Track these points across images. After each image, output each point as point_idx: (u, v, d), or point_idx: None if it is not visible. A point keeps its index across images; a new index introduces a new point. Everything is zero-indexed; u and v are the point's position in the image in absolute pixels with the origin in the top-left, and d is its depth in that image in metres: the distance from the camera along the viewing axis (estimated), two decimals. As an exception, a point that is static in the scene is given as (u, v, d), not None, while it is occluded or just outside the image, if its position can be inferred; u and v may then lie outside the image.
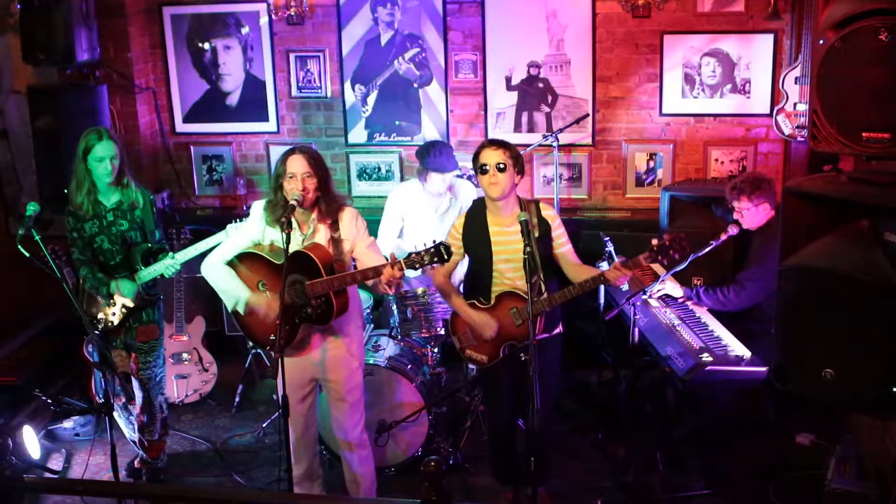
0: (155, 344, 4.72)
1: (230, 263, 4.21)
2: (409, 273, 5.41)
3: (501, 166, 4.06)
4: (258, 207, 4.14)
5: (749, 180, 4.77)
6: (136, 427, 4.82)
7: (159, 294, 4.78)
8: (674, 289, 4.87)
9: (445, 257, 3.69)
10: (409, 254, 3.72)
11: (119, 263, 4.61)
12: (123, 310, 4.63)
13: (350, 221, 4.08)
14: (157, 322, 4.74)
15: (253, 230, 4.15)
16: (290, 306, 4.01)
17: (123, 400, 4.81)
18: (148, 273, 4.59)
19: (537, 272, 3.93)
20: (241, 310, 4.18)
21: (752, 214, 4.74)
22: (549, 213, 4.22)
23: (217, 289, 4.25)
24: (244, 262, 4.18)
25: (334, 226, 4.05)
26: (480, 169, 4.11)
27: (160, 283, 4.77)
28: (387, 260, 3.83)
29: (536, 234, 4.09)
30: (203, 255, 4.39)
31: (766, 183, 4.76)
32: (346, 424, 4.26)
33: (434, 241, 3.71)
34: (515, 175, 4.13)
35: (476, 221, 4.26)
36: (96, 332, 4.50)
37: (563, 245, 4.23)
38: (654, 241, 3.92)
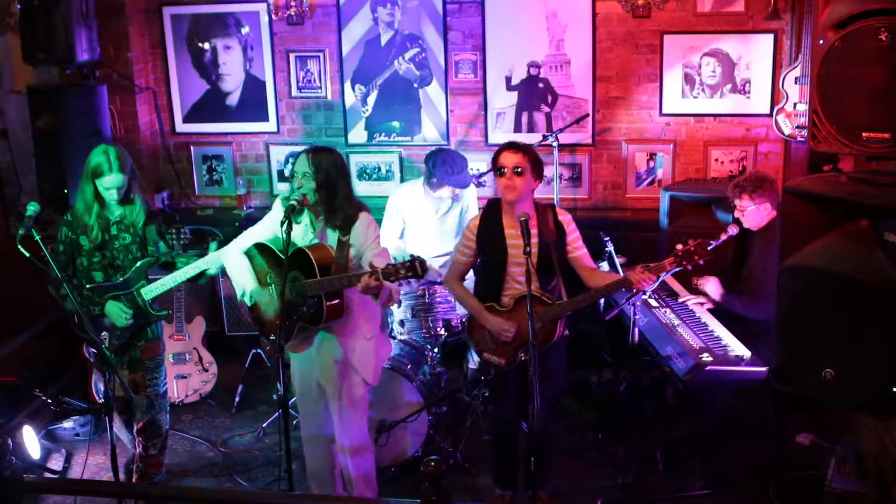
0: (160, 359, 4.64)
1: (250, 254, 4.23)
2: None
3: (519, 170, 4.08)
4: (279, 202, 4.16)
5: (752, 179, 4.76)
6: (136, 442, 4.72)
7: (166, 311, 4.64)
8: (714, 290, 4.85)
9: (420, 273, 3.64)
10: (387, 265, 3.70)
11: (119, 282, 4.45)
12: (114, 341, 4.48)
13: (362, 228, 4.05)
14: (159, 338, 4.65)
15: (274, 222, 4.15)
16: (289, 303, 4.03)
17: (124, 417, 4.69)
18: (153, 289, 4.46)
19: (555, 277, 3.95)
20: (247, 301, 4.22)
21: (753, 214, 4.74)
22: (565, 218, 4.25)
23: (229, 276, 4.29)
24: (260, 253, 4.21)
25: (345, 229, 4.03)
26: (498, 171, 4.13)
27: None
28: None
29: (553, 238, 4.11)
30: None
31: (768, 182, 4.75)
32: (341, 430, 4.26)
33: (412, 256, 3.68)
34: (533, 180, 4.15)
35: (491, 222, 4.26)
36: (97, 335, 4.41)
37: (577, 249, 4.25)
38: (679, 246, 3.97)
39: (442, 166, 5.24)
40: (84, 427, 5.47)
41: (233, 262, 4.25)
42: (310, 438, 4.36)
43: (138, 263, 4.47)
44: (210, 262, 4.46)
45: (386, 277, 3.68)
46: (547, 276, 4.14)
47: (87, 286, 4.42)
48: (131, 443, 4.88)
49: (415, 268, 3.64)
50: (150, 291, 4.46)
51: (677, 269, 4.50)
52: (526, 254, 3.89)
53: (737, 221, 4.82)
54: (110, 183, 4.32)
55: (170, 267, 4.53)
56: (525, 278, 3.88)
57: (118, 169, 4.31)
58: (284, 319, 4.04)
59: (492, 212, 4.29)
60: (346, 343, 4.13)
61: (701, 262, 3.99)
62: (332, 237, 4.05)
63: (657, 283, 4.60)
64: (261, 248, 4.22)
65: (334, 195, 4.00)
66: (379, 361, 4.29)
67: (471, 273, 4.53)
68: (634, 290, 4.21)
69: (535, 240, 4.08)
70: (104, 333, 4.43)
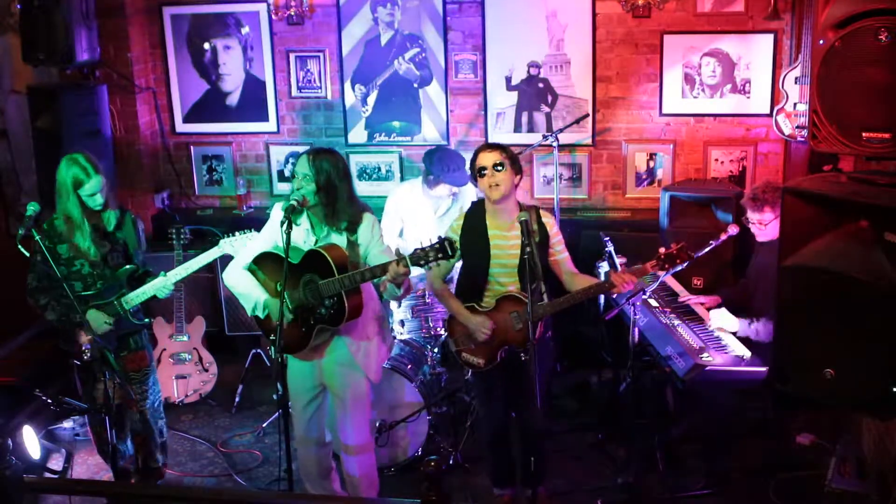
0: (147, 371, 4.57)
1: (251, 270, 4.19)
2: (413, 271, 5.42)
3: (499, 166, 4.06)
4: (278, 208, 4.13)
5: (770, 189, 4.57)
6: (133, 456, 4.67)
7: (148, 319, 4.54)
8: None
9: (450, 253, 3.66)
10: (415, 250, 3.70)
11: (100, 291, 4.36)
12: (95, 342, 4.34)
13: (367, 227, 4.05)
14: (145, 348, 4.57)
15: (274, 231, 4.12)
16: (305, 307, 4.01)
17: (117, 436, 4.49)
18: (137, 296, 4.38)
19: (538, 274, 3.95)
20: (260, 314, 4.18)
21: (775, 226, 4.51)
22: (549, 221, 4.23)
23: (236, 294, 4.25)
24: (262, 264, 4.17)
25: (352, 229, 4.03)
26: (479, 173, 4.11)
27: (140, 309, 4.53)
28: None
29: (537, 240, 4.10)
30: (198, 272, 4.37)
31: (780, 190, 4.60)
32: (344, 429, 4.25)
33: (439, 237, 3.68)
34: (514, 175, 4.13)
35: (475, 224, 4.25)
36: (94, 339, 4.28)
37: (560, 253, 4.24)
38: (662, 250, 3.95)
39: (438, 163, 5.25)
40: (84, 427, 5.46)
41: (236, 280, 4.20)
42: (302, 439, 4.35)
43: (118, 272, 4.40)
44: (206, 259, 4.43)
45: (415, 262, 3.67)
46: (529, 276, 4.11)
47: (65, 295, 4.29)
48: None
49: (444, 248, 3.64)
50: (131, 300, 4.38)
51: (666, 274, 4.51)
52: (527, 254, 3.88)
53: (740, 220, 4.80)
54: (93, 187, 4.24)
55: (141, 280, 4.44)
56: (529, 277, 3.87)
57: (95, 171, 4.25)
58: (301, 325, 4.04)
59: (476, 213, 4.28)
60: (352, 343, 4.13)
61: (683, 265, 3.97)
62: (339, 239, 4.04)
63: (657, 284, 4.62)
64: (261, 260, 4.18)
65: (335, 198, 3.99)
66: (381, 359, 4.30)
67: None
68: (615, 294, 4.18)
69: (516, 241, 4.07)
70: (86, 345, 4.33)
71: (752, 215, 4.65)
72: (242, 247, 4.41)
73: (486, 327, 4.18)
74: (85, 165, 4.24)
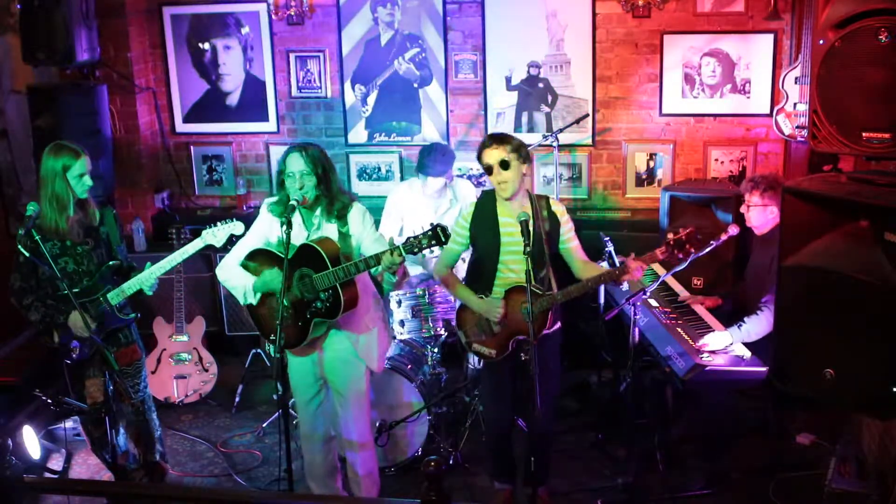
0: (139, 365, 4.54)
1: (244, 267, 4.19)
2: (411, 270, 5.43)
3: (505, 165, 4.06)
4: (265, 209, 4.16)
5: (768, 178, 4.74)
6: (131, 455, 4.63)
7: (135, 314, 4.50)
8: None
9: (443, 239, 3.65)
10: (408, 238, 3.70)
11: (85, 288, 4.29)
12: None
13: (357, 217, 4.08)
14: (135, 342, 4.53)
15: (263, 228, 4.16)
16: (301, 302, 4.02)
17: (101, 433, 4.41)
18: (122, 290, 4.32)
19: (546, 267, 3.94)
20: (252, 300, 4.17)
21: (756, 213, 4.71)
22: (559, 209, 4.22)
23: (229, 287, 4.26)
24: (255, 260, 4.17)
25: (342, 221, 4.05)
26: (486, 169, 4.12)
27: (128, 303, 4.46)
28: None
29: (547, 228, 4.10)
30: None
31: (781, 188, 4.67)
32: (348, 425, 4.26)
33: (431, 224, 3.67)
34: (522, 167, 4.11)
35: (485, 211, 4.24)
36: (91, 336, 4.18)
37: (570, 241, 4.23)
38: (670, 235, 3.93)
39: (423, 157, 5.32)
40: (85, 427, 5.47)
41: (229, 273, 4.21)
42: (307, 436, 4.37)
43: (102, 268, 4.36)
44: (189, 251, 4.39)
45: (409, 250, 3.68)
46: (538, 266, 4.12)
47: (57, 294, 4.27)
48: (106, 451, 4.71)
49: (437, 235, 3.64)
50: (117, 295, 4.34)
51: (666, 274, 4.52)
52: (526, 254, 3.88)
53: (740, 220, 4.81)
54: (82, 167, 4.20)
55: (126, 275, 4.41)
56: (525, 276, 3.86)
57: (83, 153, 4.23)
58: (297, 320, 4.04)
59: (487, 201, 4.27)
60: (352, 335, 4.14)
61: (693, 251, 3.94)
62: (332, 230, 4.06)
63: (657, 284, 4.62)
64: (253, 257, 4.17)
65: (331, 186, 4.03)
66: (382, 349, 4.30)
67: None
68: (624, 281, 4.15)
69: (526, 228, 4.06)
70: (74, 343, 4.30)
71: (745, 194, 4.77)
72: (225, 237, 4.41)
73: (497, 309, 4.15)
74: (73, 148, 4.22)
